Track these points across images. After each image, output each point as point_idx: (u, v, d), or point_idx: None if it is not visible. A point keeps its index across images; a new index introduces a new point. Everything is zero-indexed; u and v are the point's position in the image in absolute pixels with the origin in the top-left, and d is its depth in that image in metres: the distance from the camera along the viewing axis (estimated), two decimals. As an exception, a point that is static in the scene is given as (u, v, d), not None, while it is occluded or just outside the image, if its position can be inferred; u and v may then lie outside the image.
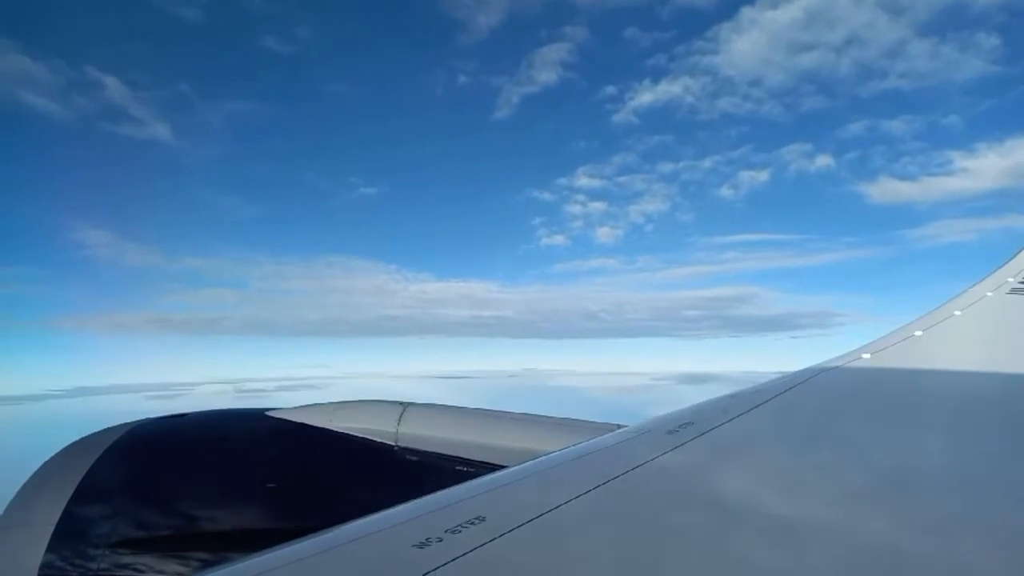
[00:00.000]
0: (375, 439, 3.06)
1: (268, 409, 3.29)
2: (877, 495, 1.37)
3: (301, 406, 3.29)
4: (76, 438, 2.89)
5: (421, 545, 1.01)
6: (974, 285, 6.19)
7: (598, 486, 1.36)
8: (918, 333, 4.37)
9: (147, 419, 3.14)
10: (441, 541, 1.03)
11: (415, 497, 1.36)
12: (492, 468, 2.35)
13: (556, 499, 1.25)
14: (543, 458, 1.71)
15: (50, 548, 2.46)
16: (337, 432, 3.11)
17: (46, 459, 2.81)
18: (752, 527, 1.18)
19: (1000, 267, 6.68)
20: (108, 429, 2.97)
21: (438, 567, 0.93)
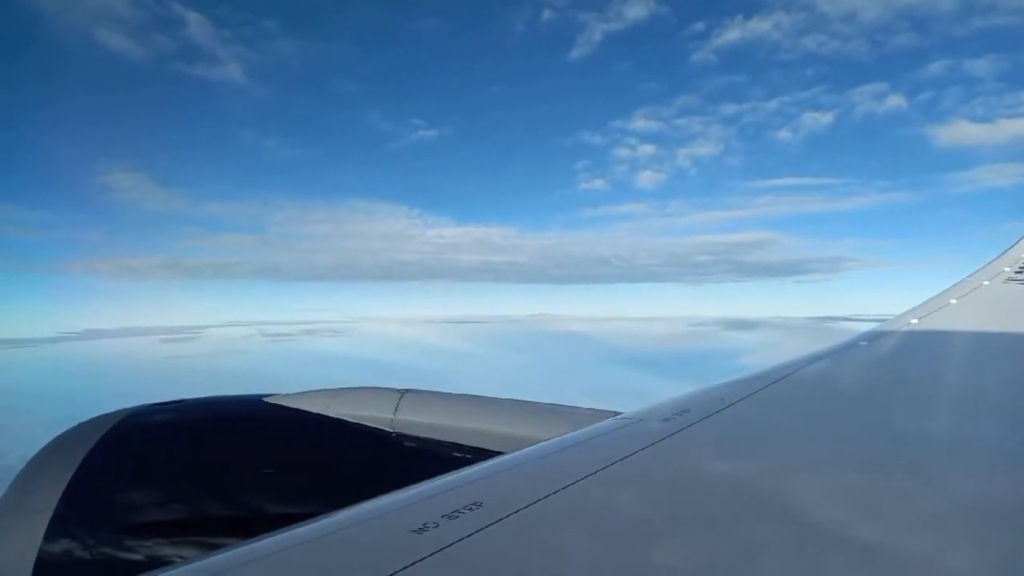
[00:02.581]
0: (373, 426, 3.07)
1: (265, 395, 3.29)
2: (866, 489, 1.38)
3: (298, 393, 3.29)
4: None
5: (419, 530, 1.02)
6: (971, 275, 6.23)
7: (594, 473, 1.37)
8: (914, 321, 4.42)
9: (142, 406, 3.13)
10: (438, 526, 1.04)
11: (413, 483, 1.37)
12: (489, 455, 2.36)
13: (552, 486, 1.26)
14: (540, 445, 1.73)
15: (47, 536, 2.46)
16: (335, 419, 3.12)
17: (40, 448, 2.80)
18: (743, 516, 1.18)
19: (998, 256, 6.72)
20: (103, 416, 2.96)
21: (435, 552, 0.94)
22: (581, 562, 0.98)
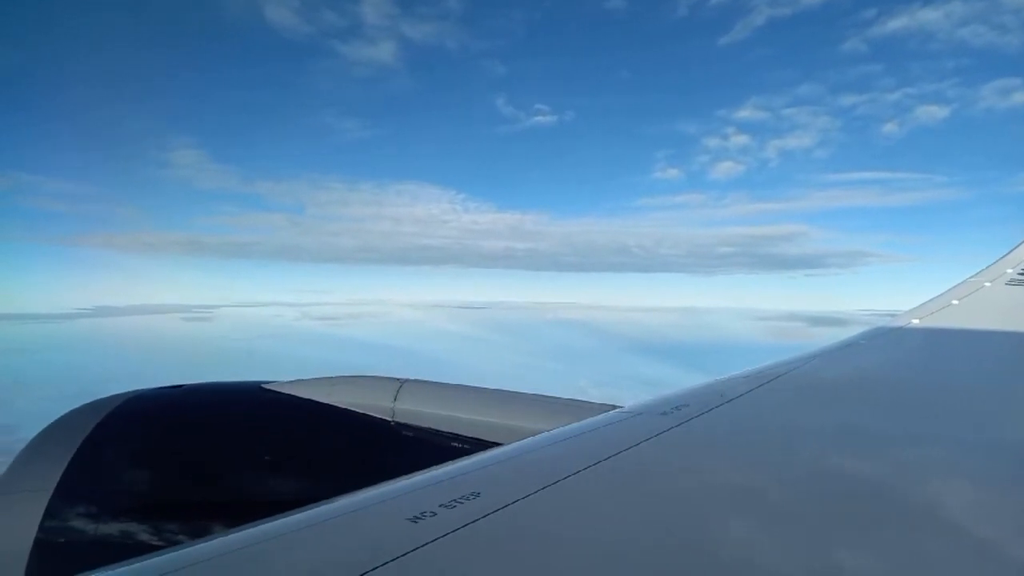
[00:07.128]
0: (372, 414, 3.09)
1: (265, 382, 3.30)
2: (858, 486, 1.39)
3: (298, 380, 3.29)
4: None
5: (415, 519, 1.03)
6: (973, 276, 6.22)
7: (591, 465, 1.38)
8: (916, 321, 4.43)
9: (143, 390, 3.14)
10: (435, 515, 1.05)
11: (410, 472, 1.38)
12: (487, 445, 2.39)
13: (549, 477, 1.27)
14: (538, 437, 1.74)
15: (46, 516, 2.49)
16: (334, 406, 3.12)
17: (41, 429, 2.82)
18: (736, 511, 1.19)
19: (1000, 258, 6.71)
20: (103, 399, 2.98)
21: (432, 541, 0.95)
22: (577, 554, 0.99)
